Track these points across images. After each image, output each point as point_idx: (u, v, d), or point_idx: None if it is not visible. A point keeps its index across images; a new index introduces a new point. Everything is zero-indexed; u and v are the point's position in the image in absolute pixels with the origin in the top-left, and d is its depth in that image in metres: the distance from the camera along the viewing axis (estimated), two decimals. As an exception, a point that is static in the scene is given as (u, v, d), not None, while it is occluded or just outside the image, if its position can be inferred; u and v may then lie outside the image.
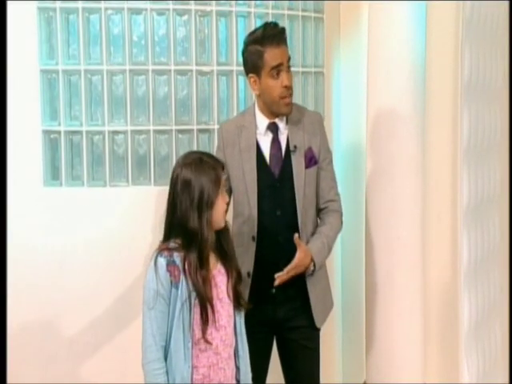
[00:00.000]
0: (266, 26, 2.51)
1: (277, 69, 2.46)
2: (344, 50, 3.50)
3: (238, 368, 2.29)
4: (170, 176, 2.97)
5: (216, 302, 2.20)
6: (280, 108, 2.51)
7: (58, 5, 2.91)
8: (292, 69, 2.94)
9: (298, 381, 2.64)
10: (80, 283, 3.00)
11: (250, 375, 2.32)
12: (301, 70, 3.21)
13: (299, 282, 2.53)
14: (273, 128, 2.56)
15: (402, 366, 3.07)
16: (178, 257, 2.16)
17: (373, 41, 3.07)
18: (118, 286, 3.00)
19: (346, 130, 3.53)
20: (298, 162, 2.54)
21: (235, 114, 3.04)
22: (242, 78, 3.05)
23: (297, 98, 3.20)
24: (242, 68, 2.94)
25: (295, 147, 2.54)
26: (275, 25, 2.52)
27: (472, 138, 3.33)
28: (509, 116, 3.60)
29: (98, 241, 2.99)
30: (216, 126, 3.00)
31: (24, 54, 2.95)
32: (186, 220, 2.16)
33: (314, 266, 2.51)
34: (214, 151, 2.71)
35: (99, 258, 3.00)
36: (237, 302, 2.28)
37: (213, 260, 2.24)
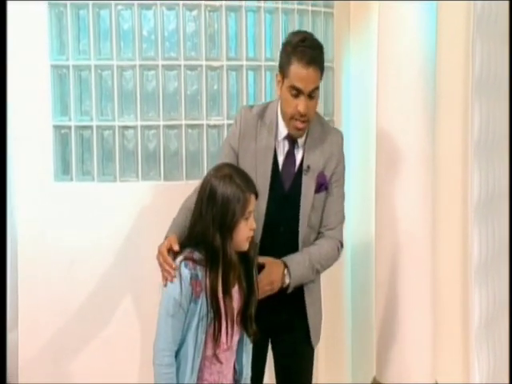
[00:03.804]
0: (307, 37, 2.33)
1: (297, 90, 2.29)
2: (354, 45, 3.49)
3: (235, 369, 2.30)
4: (179, 171, 3.01)
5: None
6: (290, 128, 2.37)
7: (68, 0, 2.92)
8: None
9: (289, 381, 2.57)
10: (90, 278, 3.00)
11: (249, 375, 2.33)
12: (310, 64, 3.20)
13: (296, 290, 2.43)
14: (290, 139, 2.41)
15: (412, 364, 3.07)
16: (201, 270, 2.13)
17: (383, 35, 3.06)
18: (129, 280, 3.01)
19: (355, 124, 3.53)
20: (308, 184, 2.40)
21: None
22: (251, 73, 3.05)
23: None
24: (251, 63, 2.94)
25: (308, 167, 2.40)
26: (315, 43, 2.32)
27: (483, 133, 3.32)
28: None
29: (108, 235, 3.00)
30: (226, 121, 2.99)
31: (35, 50, 2.96)
32: (207, 235, 2.11)
33: (290, 277, 2.36)
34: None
35: (109, 252, 3.01)
36: (244, 327, 2.23)
37: (234, 279, 2.19)
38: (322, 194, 2.45)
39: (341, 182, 2.50)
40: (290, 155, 2.43)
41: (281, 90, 2.35)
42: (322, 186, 2.43)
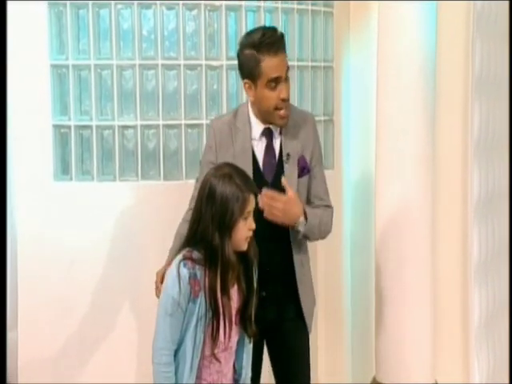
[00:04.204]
0: (265, 31, 2.37)
1: (275, 81, 2.34)
2: (354, 45, 3.49)
3: (234, 369, 2.29)
4: (179, 170, 3.01)
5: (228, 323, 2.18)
6: (275, 120, 2.41)
7: (68, 0, 2.92)
8: (301, 63, 2.90)
9: (288, 381, 2.56)
10: (90, 277, 3.01)
11: (249, 376, 2.32)
12: (310, 64, 3.20)
13: (287, 282, 2.46)
14: (267, 133, 2.45)
15: (412, 364, 3.06)
16: (199, 270, 2.13)
17: (383, 35, 3.06)
18: (128, 280, 3.02)
19: (355, 124, 3.53)
20: (290, 171, 2.44)
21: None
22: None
23: (306, 93, 3.20)
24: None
25: (288, 155, 2.44)
26: (274, 30, 2.38)
27: (482, 132, 3.32)
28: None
29: (107, 235, 3.01)
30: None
31: (34, 49, 2.97)
32: (207, 234, 2.11)
33: (306, 219, 2.37)
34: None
35: (109, 252, 3.01)
36: (244, 327, 2.23)
37: (232, 279, 2.19)
38: (305, 178, 2.49)
39: (320, 163, 2.55)
40: (270, 149, 2.46)
41: (256, 93, 2.38)
42: (304, 169, 2.48)
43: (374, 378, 3.21)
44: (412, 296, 3.04)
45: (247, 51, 2.35)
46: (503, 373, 3.54)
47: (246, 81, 2.39)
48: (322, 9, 3.26)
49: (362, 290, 3.56)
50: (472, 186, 3.27)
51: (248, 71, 2.37)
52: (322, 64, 3.29)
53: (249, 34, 2.43)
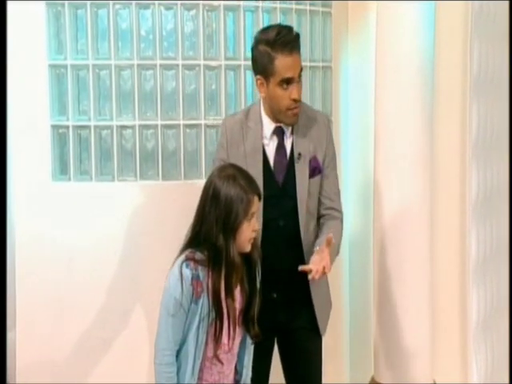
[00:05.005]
0: (281, 29, 2.36)
1: (287, 81, 2.34)
2: (352, 45, 3.49)
3: (236, 370, 2.30)
4: (177, 170, 3.01)
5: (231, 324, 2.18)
6: (286, 118, 2.40)
7: (66, 0, 2.92)
8: (300, 63, 2.86)
9: (299, 383, 2.57)
10: (89, 277, 3.00)
11: (249, 376, 2.32)
12: (308, 64, 3.20)
13: (300, 284, 2.44)
14: (279, 132, 2.45)
15: (410, 364, 3.07)
16: (202, 271, 2.13)
17: (381, 35, 3.07)
18: (127, 280, 3.01)
19: (353, 124, 3.53)
20: (301, 171, 2.43)
21: (243, 108, 3.03)
22: (249, 73, 3.04)
23: (304, 93, 3.16)
24: (250, 63, 2.92)
25: (300, 155, 2.42)
26: (290, 30, 2.37)
27: (481, 132, 3.32)
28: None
29: (106, 235, 3.00)
30: (224, 121, 3.00)
31: (33, 49, 2.96)
32: (211, 236, 2.12)
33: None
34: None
35: (107, 252, 3.01)
36: (246, 329, 2.23)
37: (236, 280, 2.19)
38: (317, 178, 2.47)
39: (333, 164, 2.53)
40: (281, 148, 2.46)
41: (267, 90, 2.38)
42: (315, 169, 2.46)
43: (373, 378, 3.22)
44: (410, 296, 3.05)
45: (261, 47, 2.35)
46: (502, 373, 3.55)
47: (258, 77, 2.39)
48: (321, 9, 3.26)
49: (360, 290, 3.56)
50: (470, 186, 3.27)
51: (261, 68, 2.36)
52: (321, 64, 3.29)
53: (264, 30, 2.43)
